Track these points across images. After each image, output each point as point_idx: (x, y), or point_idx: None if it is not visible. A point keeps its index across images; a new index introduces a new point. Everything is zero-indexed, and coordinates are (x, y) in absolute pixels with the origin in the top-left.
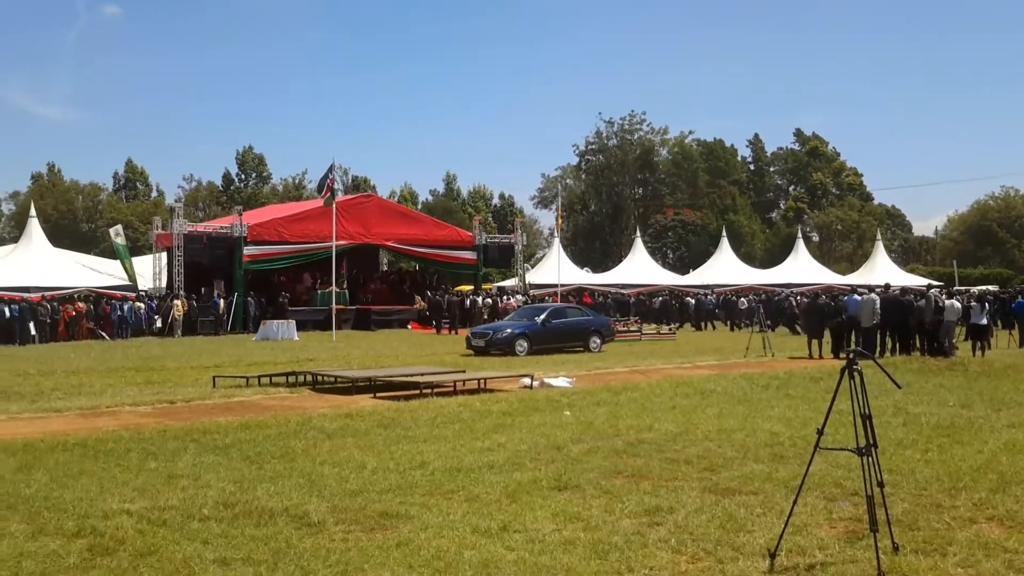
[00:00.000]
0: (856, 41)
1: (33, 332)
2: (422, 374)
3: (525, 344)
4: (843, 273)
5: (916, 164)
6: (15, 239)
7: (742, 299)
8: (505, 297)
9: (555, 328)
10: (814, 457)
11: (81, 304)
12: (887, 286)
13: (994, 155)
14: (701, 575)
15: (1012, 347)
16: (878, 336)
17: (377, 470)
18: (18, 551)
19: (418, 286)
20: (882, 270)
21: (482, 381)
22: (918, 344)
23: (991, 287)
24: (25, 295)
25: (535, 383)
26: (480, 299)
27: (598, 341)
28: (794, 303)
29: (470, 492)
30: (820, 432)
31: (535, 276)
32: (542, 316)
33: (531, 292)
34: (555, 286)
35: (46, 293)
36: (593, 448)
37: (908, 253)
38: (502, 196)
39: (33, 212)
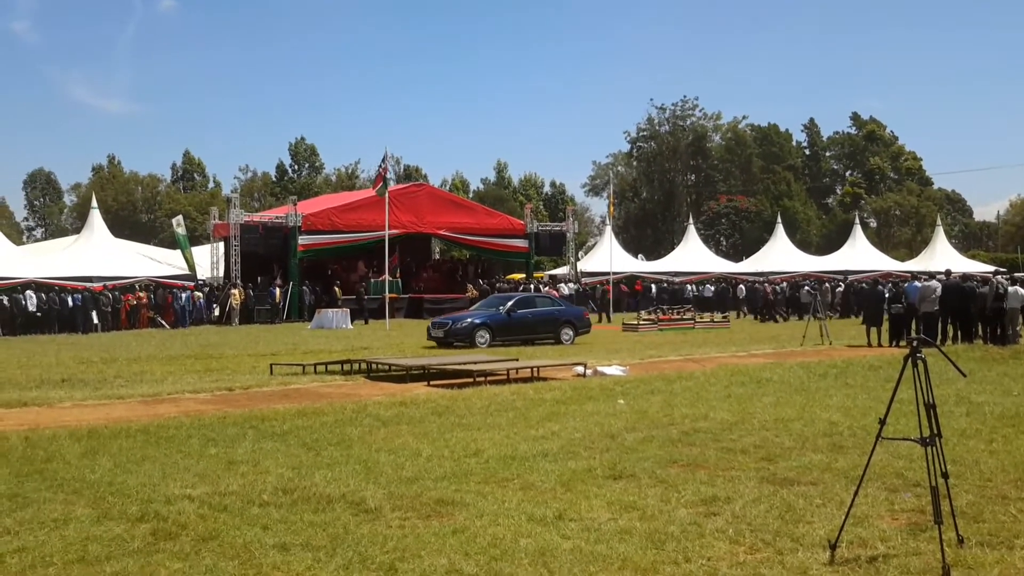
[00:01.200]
0: (914, 22)
1: (96, 321)
2: (475, 362)
3: (487, 335)
4: (902, 260)
5: (977, 148)
6: (77, 230)
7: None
8: (546, 286)
9: (521, 319)
10: (876, 447)
11: (141, 293)
12: (948, 272)
13: None
14: (760, 566)
15: None
16: (939, 324)
17: (432, 457)
18: (84, 535)
19: (470, 275)
20: (942, 256)
21: (535, 369)
22: (980, 332)
23: None
24: (88, 285)
25: (588, 371)
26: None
27: (570, 333)
28: (768, 290)
29: (525, 480)
30: (883, 422)
31: (587, 264)
32: (507, 305)
33: (583, 280)
34: (607, 274)
35: (108, 283)
36: (648, 437)
37: (969, 239)
38: (553, 184)
39: (94, 203)
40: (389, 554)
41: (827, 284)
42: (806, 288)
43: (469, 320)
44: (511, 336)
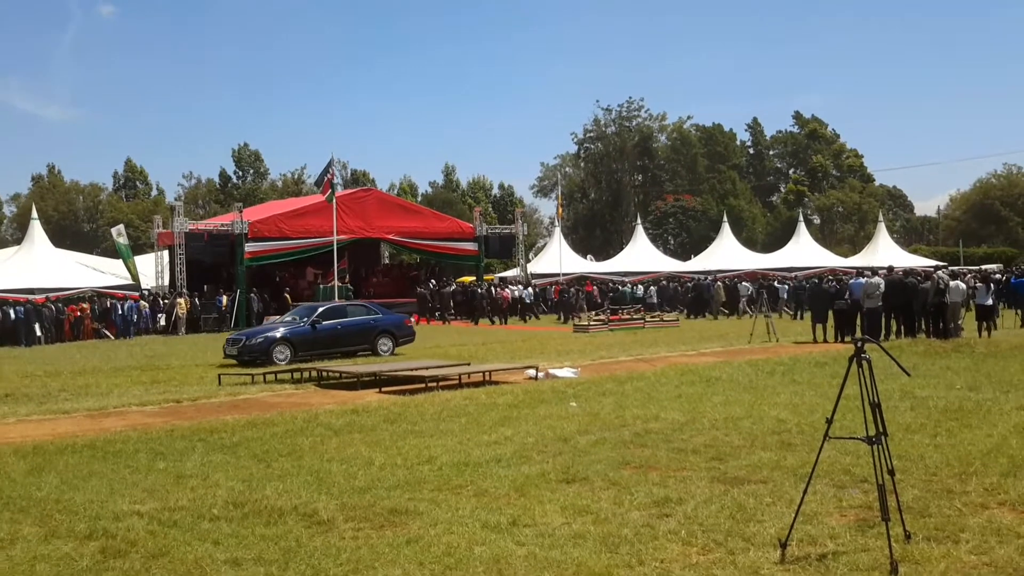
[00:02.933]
0: (854, 21)
1: (39, 333)
2: (427, 368)
3: (287, 351)
4: (845, 256)
5: (917, 144)
6: (18, 241)
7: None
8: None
9: (328, 330)
10: (824, 445)
11: (85, 304)
12: (891, 268)
13: (996, 133)
14: (712, 567)
15: (1017, 327)
16: (883, 319)
17: (385, 466)
18: (31, 554)
19: (421, 279)
20: (884, 251)
21: (487, 373)
22: (923, 326)
23: (994, 266)
24: (30, 297)
25: (540, 374)
26: (480, 290)
27: (389, 344)
28: (718, 287)
29: (479, 487)
30: (829, 421)
31: (537, 266)
32: (311, 316)
33: (533, 282)
34: (557, 275)
35: (50, 294)
36: (600, 439)
37: (911, 234)
38: (502, 186)
39: (35, 214)
40: (343, 566)
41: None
42: (743, 284)
43: (266, 335)
44: (317, 350)
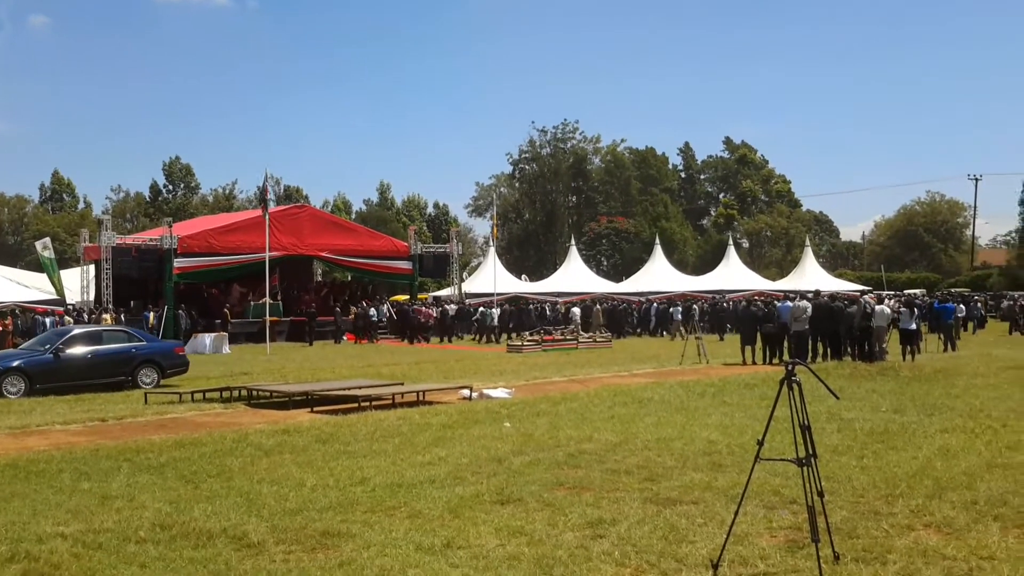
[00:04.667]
0: (783, 49)
1: None
2: (360, 387)
3: (20, 384)
4: (773, 279)
5: (843, 171)
6: None
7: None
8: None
9: (76, 360)
10: (755, 468)
11: (7, 319)
12: (817, 292)
13: (920, 161)
14: None
15: (940, 351)
16: (809, 342)
17: (317, 487)
18: None
19: (357, 297)
20: (811, 275)
21: (420, 393)
22: (848, 350)
23: (917, 291)
24: None
25: (474, 394)
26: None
27: (154, 375)
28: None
29: (412, 508)
30: (760, 443)
31: (471, 285)
32: (56, 344)
33: (467, 301)
34: (491, 295)
35: None
36: (534, 460)
37: (836, 258)
38: (436, 205)
39: None
40: None
41: (698, 303)
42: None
43: None
44: (61, 382)
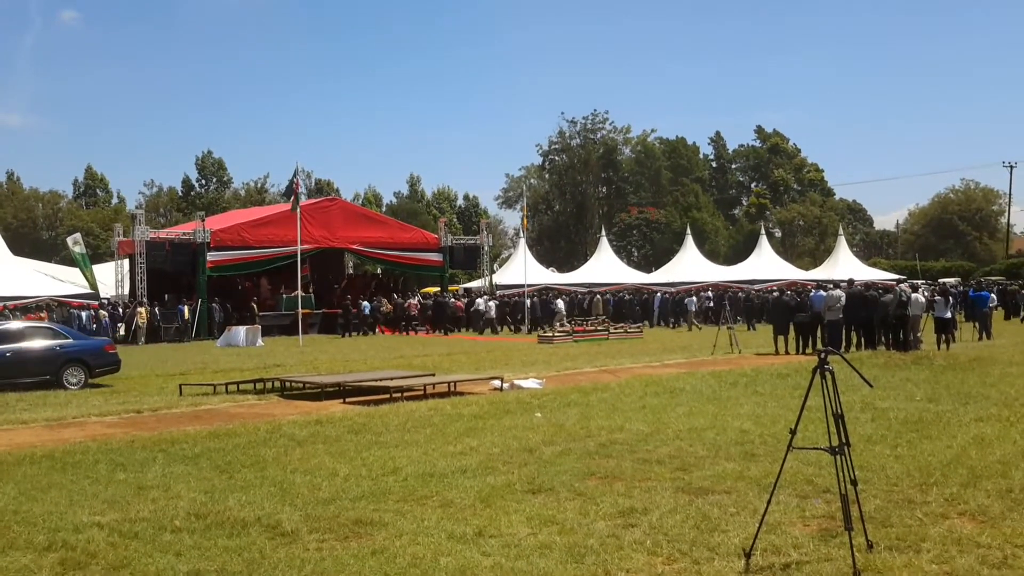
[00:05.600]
0: (816, 37)
1: None
2: (391, 378)
3: None
4: (806, 268)
5: (876, 159)
6: None
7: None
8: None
9: None
10: (787, 456)
11: (43, 313)
12: (851, 281)
13: (954, 148)
14: None
15: (975, 340)
16: (843, 331)
17: (349, 477)
18: None
19: (385, 289)
20: (844, 265)
21: (452, 384)
22: (883, 338)
23: (952, 280)
24: None
25: (505, 385)
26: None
27: (80, 375)
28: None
29: (444, 497)
30: (793, 432)
31: (502, 277)
32: None
33: (498, 293)
34: (522, 286)
35: (8, 303)
36: (565, 450)
37: (870, 247)
38: (466, 197)
39: None
40: None
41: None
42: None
43: None
44: None
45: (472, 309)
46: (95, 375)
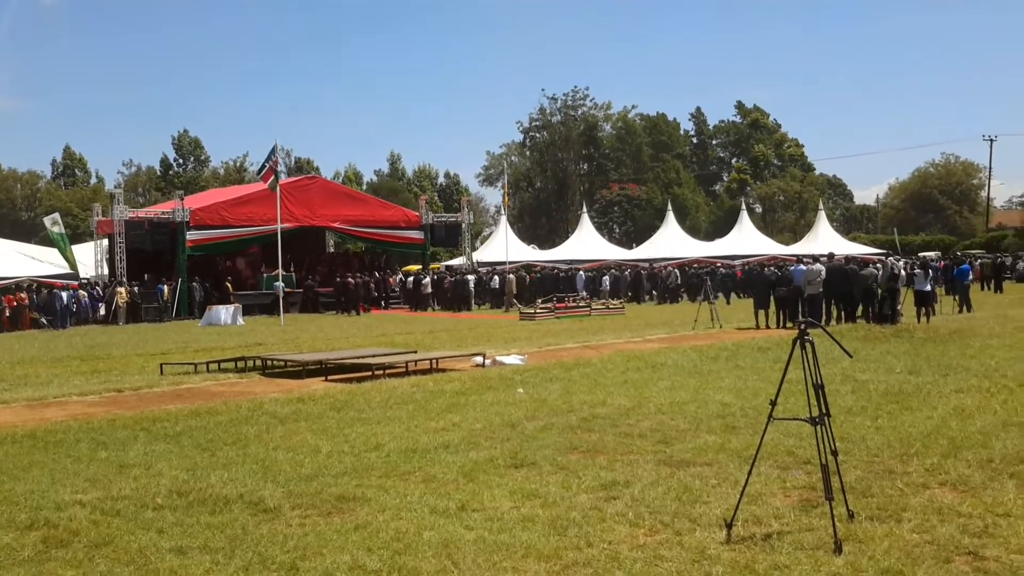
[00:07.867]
0: (795, 13)
1: None
2: (373, 356)
3: None
4: (786, 243)
5: (857, 134)
6: None
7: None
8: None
9: None
10: (768, 427)
11: (23, 294)
12: (831, 255)
13: (934, 123)
14: (659, 547)
15: (955, 313)
16: (823, 305)
17: (332, 454)
18: None
19: (366, 267)
20: (825, 239)
21: (434, 361)
22: (862, 312)
23: (932, 253)
24: None
25: (487, 361)
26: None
27: None
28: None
29: (427, 473)
30: (773, 403)
31: (483, 254)
32: None
33: (479, 270)
34: (503, 263)
35: None
36: (547, 425)
37: (850, 222)
38: (447, 175)
39: None
40: (290, 553)
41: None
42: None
43: None
44: None
45: (450, 283)
46: None
